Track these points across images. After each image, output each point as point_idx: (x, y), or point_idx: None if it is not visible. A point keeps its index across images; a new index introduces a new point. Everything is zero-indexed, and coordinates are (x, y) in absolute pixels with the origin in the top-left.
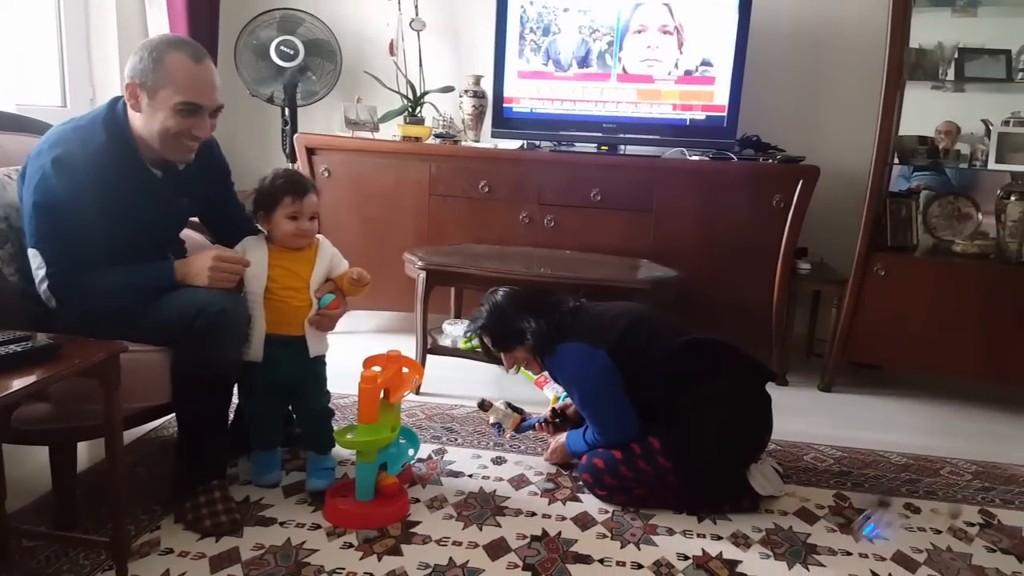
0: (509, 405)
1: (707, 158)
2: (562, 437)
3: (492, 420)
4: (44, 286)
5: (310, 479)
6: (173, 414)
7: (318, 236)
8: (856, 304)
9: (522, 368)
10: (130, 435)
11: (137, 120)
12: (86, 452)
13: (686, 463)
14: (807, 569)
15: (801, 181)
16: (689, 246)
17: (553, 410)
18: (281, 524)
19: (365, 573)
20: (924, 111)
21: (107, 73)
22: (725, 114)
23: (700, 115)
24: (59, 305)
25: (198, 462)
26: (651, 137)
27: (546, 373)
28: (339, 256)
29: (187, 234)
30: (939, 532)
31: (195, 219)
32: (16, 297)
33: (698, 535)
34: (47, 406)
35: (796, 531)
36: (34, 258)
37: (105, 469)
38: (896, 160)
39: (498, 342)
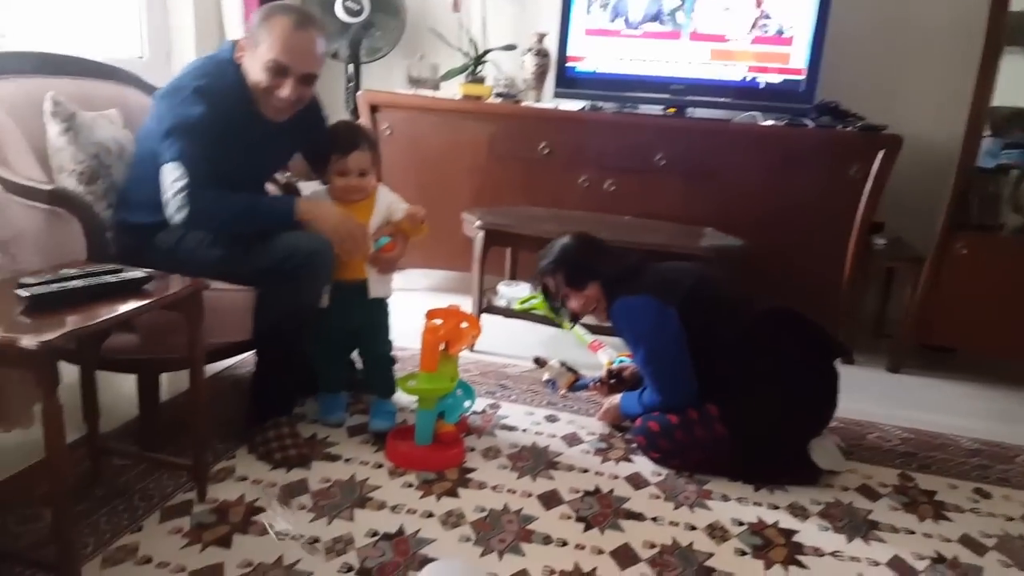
0: (564, 364)
1: (781, 123)
2: (616, 398)
3: (546, 377)
4: (181, 196)
5: (372, 420)
6: (244, 355)
7: (377, 184)
8: (933, 283)
9: (576, 329)
10: (206, 371)
11: (246, 70)
12: (168, 383)
13: (744, 432)
14: (867, 543)
15: (882, 151)
16: (756, 215)
17: (609, 371)
18: (346, 461)
19: (425, 511)
20: (1020, 82)
21: (183, 26)
22: (803, 78)
23: (775, 78)
24: (189, 217)
25: (269, 397)
26: (721, 100)
27: (600, 337)
28: (398, 202)
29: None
30: (1011, 519)
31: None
32: (108, 232)
33: (754, 503)
34: (135, 337)
35: (857, 506)
36: (173, 171)
37: (185, 401)
38: (988, 132)
39: (571, 279)
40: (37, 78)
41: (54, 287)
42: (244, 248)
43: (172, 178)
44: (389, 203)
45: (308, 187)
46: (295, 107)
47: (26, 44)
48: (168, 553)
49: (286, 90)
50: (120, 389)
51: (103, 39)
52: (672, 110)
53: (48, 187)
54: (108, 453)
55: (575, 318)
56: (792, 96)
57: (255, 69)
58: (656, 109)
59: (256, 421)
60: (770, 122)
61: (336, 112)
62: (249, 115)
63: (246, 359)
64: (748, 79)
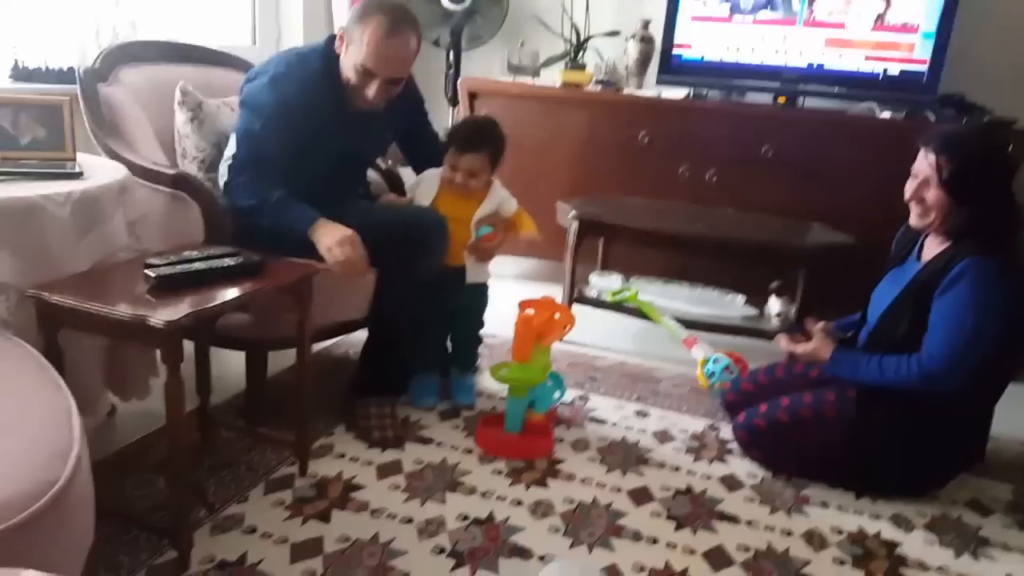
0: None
1: (900, 116)
2: (826, 347)
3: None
4: (226, 165)
5: (455, 396)
6: (342, 337)
7: (493, 179)
8: None
9: (670, 324)
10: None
11: (341, 61)
12: (273, 359)
13: (879, 442)
14: (976, 560)
15: (1010, 147)
16: (869, 211)
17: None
18: (438, 444)
19: (514, 498)
20: None
21: (292, 13)
22: (926, 68)
23: (895, 68)
24: (226, 189)
25: (382, 375)
26: (836, 90)
27: (695, 332)
28: (509, 199)
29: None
30: None
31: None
32: (226, 216)
33: (855, 511)
34: (247, 316)
35: (966, 521)
36: (231, 144)
37: (289, 378)
38: None
39: (956, 180)
40: (163, 65)
41: (179, 268)
42: (369, 218)
43: (230, 151)
44: (501, 200)
45: (407, 173)
46: (384, 101)
47: (154, 33)
48: (272, 524)
49: (372, 90)
50: (228, 364)
51: (217, 27)
52: (783, 100)
53: (172, 171)
54: (217, 426)
55: (922, 211)
56: (913, 87)
57: (346, 65)
58: (765, 98)
59: (361, 399)
60: (888, 114)
61: (435, 98)
62: (338, 104)
63: (347, 339)
64: (866, 69)
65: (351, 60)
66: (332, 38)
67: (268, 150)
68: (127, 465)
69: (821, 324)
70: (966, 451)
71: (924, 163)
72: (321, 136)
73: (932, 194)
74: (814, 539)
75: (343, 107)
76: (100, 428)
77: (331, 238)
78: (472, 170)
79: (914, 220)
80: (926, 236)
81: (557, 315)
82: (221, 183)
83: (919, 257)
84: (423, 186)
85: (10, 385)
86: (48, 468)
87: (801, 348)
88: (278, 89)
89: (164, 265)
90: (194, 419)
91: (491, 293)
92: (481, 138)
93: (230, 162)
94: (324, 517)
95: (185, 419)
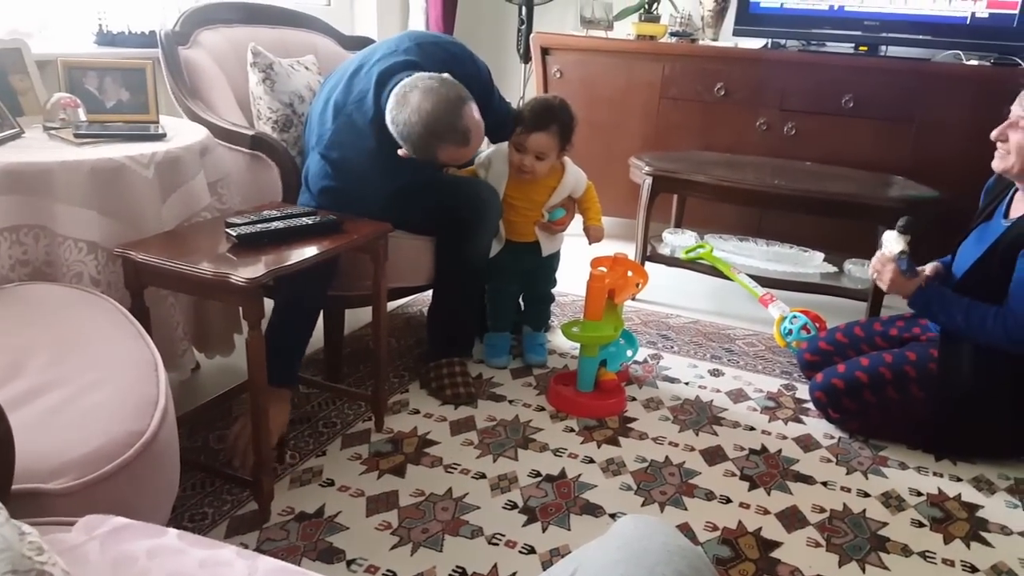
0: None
1: (988, 63)
2: (914, 282)
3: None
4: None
5: (527, 354)
6: (415, 296)
7: (566, 163)
8: None
9: (745, 281)
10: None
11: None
12: (349, 317)
13: (953, 406)
14: None
15: None
16: (955, 164)
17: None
18: (510, 402)
19: (585, 456)
20: None
21: None
22: (1017, 12)
23: (984, 11)
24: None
25: (448, 337)
26: (920, 37)
27: (771, 291)
28: (581, 180)
29: None
30: None
31: None
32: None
33: (934, 473)
34: None
35: None
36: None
37: (365, 335)
38: None
39: None
40: (241, 27)
41: (258, 227)
42: (423, 196)
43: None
44: (575, 182)
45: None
46: None
47: None
48: (349, 478)
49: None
50: None
51: None
52: (864, 48)
53: (250, 133)
54: (297, 382)
55: (1004, 152)
56: (1003, 32)
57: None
58: (845, 47)
59: (432, 358)
60: (975, 62)
61: (507, 55)
62: None
63: (418, 299)
64: (951, 13)
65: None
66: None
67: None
68: (213, 418)
69: (933, 264)
70: None
71: (1018, 106)
72: None
73: (1018, 136)
74: (891, 501)
75: None
76: (185, 383)
77: None
78: (540, 151)
79: (996, 162)
80: (1015, 192)
81: (630, 273)
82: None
83: (1006, 214)
84: (494, 167)
85: (100, 340)
86: (136, 419)
87: (887, 274)
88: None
89: (244, 224)
90: None
91: (565, 251)
92: (552, 117)
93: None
94: (399, 472)
95: (265, 374)
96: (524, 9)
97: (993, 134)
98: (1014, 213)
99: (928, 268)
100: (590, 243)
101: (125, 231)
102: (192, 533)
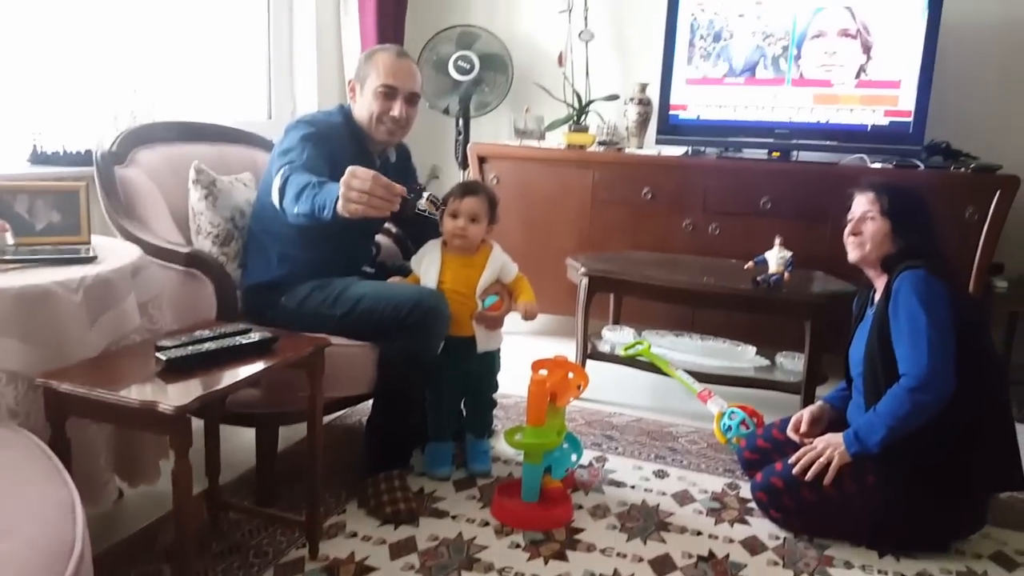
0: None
1: (890, 166)
2: (833, 437)
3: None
4: (279, 181)
5: (471, 463)
6: (353, 408)
7: (493, 244)
8: None
9: (683, 377)
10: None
11: (355, 110)
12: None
13: (913, 487)
14: None
15: (998, 192)
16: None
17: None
18: (453, 518)
19: (532, 575)
20: None
21: (307, 89)
22: (911, 119)
23: (883, 120)
24: (280, 191)
25: (389, 448)
26: (827, 143)
27: (708, 386)
28: (510, 264)
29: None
30: None
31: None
32: (237, 292)
33: (879, 571)
34: (257, 392)
35: None
36: (279, 175)
37: (300, 450)
38: None
39: (895, 208)
40: (179, 145)
41: (189, 350)
42: (365, 305)
43: (279, 181)
44: (502, 263)
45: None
46: (405, 129)
47: (172, 114)
48: None
49: (396, 109)
50: (239, 439)
51: (233, 104)
52: (776, 154)
53: (185, 250)
54: (225, 508)
55: (859, 243)
56: (901, 137)
57: (366, 100)
58: (760, 153)
59: (370, 472)
60: (879, 164)
61: (447, 164)
62: (362, 149)
63: (357, 409)
64: (854, 122)
65: (371, 89)
66: (342, 105)
67: (307, 160)
68: (134, 555)
69: (810, 408)
70: (999, 480)
71: (862, 202)
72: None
73: (871, 226)
74: None
75: (367, 151)
76: (107, 515)
77: (349, 175)
78: (473, 213)
79: (852, 253)
80: (874, 292)
81: (571, 375)
82: (276, 201)
83: (872, 303)
84: (426, 259)
85: (12, 481)
86: (48, 570)
87: (813, 454)
88: (310, 126)
89: (175, 347)
90: (202, 501)
91: (504, 350)
92: (477, 186)
93: (280, 172)
94: None
95: (193, 506)
96: (461, 121)
97: (847, 230)
98: (877, 299)
99: (805, 413)
100: (524, 319)
101: (49, 358)
102: None
